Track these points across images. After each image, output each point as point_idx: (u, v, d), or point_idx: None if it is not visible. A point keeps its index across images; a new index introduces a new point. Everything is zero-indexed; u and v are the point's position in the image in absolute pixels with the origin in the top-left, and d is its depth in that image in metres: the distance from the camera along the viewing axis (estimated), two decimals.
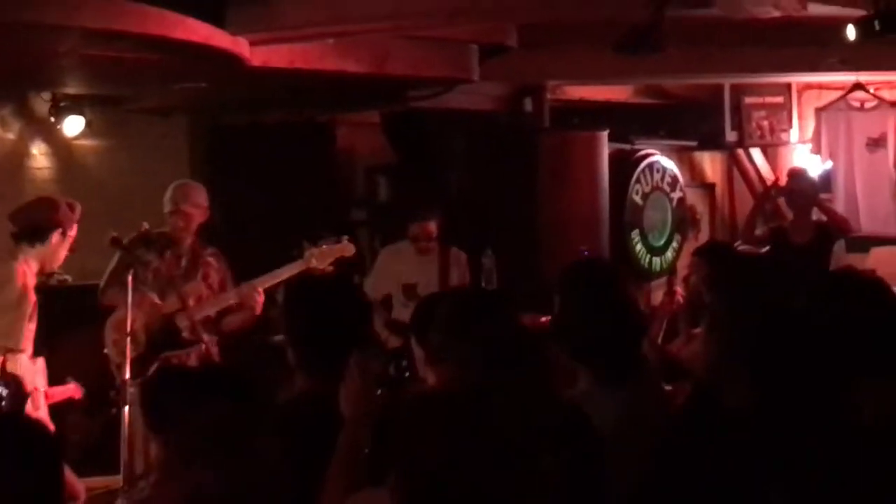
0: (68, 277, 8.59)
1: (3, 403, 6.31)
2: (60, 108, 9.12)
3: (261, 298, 7.20)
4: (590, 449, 3.27)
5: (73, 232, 6.83)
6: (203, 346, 7.06)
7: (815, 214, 9.18)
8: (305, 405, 3.94)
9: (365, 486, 3.41)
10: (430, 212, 8.38)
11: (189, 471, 2.65)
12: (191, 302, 7.15)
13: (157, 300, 7.11)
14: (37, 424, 3.35)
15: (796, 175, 9.39)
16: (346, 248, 7.43)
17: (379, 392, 3.67)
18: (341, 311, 4.17)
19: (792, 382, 3.25)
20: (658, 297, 7.63)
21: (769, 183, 11.28)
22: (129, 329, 6.63)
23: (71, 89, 8.84)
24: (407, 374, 3.78)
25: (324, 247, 7.35)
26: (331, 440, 3.62)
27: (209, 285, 7.38)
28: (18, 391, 6.42)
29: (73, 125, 9.19)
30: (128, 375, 6.49)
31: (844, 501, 3.11)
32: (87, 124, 9.27)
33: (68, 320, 7.97)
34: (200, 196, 7.41)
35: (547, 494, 3.08)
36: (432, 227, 8.29)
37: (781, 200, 9.91)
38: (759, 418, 3.10)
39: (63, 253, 6.84)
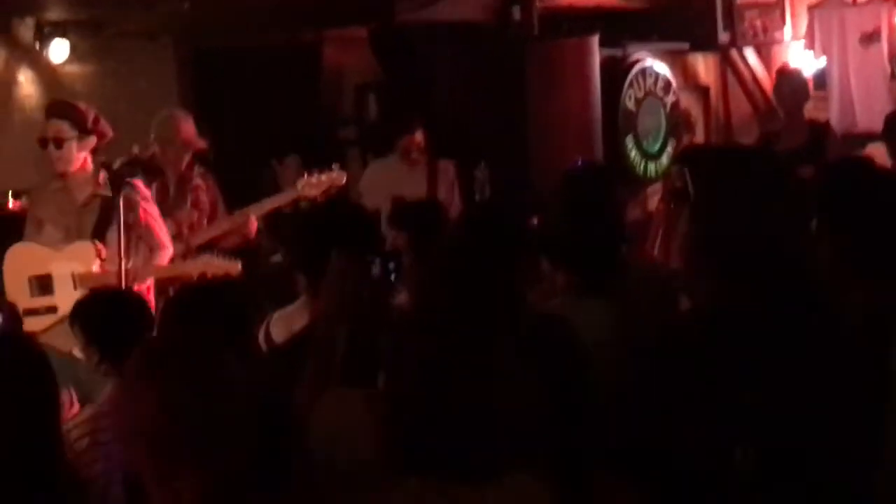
0: None
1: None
2: (45, 34, 9.03)
3: (254, 226, 7.20)
4: (573, 361, 3.24)
5: None
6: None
7: (808, 113, 9.08)
8: None
9: (339, 385, 3.40)
10: (416, 122, 8.35)
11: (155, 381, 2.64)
12: (185, 229, 7.12)
13: None
14: (29, 343, 3.42)
15: (784, 74, 9.29)
16: (338, 178, 7.43)
17: (363, 292, 3.64)
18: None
19: (766, 279, 3.20)
20: (654, 203, 7.57)
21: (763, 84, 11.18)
22: (121, 252, 6.56)
23: (53, 14, 8.75)
24: (393, 275, 3.75)
25: (316, 176, 7.34)
26: None
27: (200, 209, 7.33)
28: (13, 313, 6.42)
29: (58, 51, 9.10)
30: None
31: (816, 399, 3.09)
32: (73, 49, 9.17)
33: None
34: (191, 127, 7.33)
35: (533, 406, 3.06)
36: (419, 137, 8.30)
37: None
38: (731, 316, 3.08)
39: None
